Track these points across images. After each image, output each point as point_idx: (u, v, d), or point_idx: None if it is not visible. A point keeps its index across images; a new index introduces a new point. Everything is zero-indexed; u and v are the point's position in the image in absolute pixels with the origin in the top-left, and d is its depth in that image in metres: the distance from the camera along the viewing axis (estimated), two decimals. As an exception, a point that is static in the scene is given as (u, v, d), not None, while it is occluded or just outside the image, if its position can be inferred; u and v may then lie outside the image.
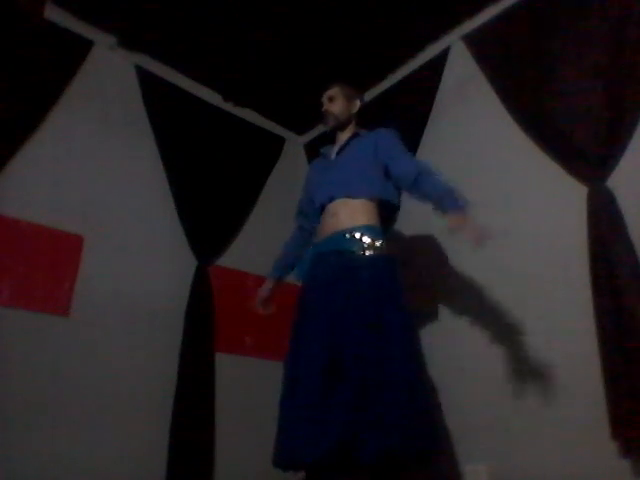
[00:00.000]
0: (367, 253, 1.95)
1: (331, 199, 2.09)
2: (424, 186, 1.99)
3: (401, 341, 1.85)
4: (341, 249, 1.97)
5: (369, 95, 3.32)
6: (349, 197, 2.06)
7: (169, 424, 2.57)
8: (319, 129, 3.66)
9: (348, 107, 2.31)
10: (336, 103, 2.28)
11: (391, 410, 1.70)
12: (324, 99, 2.30)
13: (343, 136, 2.31)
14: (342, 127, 2.31)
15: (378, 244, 1.98)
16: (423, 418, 1.78)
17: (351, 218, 2.01)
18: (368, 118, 3.24)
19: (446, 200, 1.91)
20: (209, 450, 2.63)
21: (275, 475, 1.94)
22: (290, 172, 3.61)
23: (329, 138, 3.53)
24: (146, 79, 3.05)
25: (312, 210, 2.23)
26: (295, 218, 2.42)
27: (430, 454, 1.80)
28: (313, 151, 3.67)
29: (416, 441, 1.71)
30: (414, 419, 1.73)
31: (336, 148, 2.31)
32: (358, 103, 2.33)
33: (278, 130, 3.68)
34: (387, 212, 2.14)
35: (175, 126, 3.08)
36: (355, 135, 2.29)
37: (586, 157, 2.14)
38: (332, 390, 1.75)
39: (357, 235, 1.97)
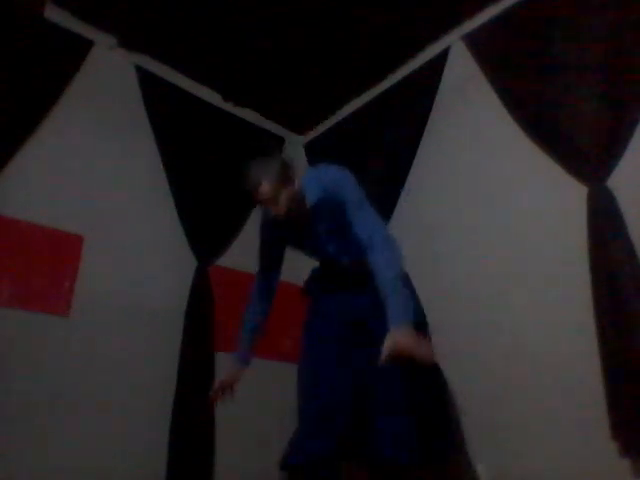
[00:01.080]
0: None
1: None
2: (372, 265, 1.71)
3: None
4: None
5: (369, 95, 3.33)
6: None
7: (169, 424, 2.57)
8: (319, 129, 3.67)
9: (292, 192, 1.79)
10: (281, 200, 1.77)
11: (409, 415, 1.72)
12: (261, 202, 1.83)
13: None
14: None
15: None
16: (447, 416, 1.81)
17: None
18: (369, 117, 3.27)
19: (388, 307, 1.62)
20: (209, 450, 2.63)
21: (275, 475, 1.94)
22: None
23: (329, 138, 3.56)
24: (146, 79, 3.05)
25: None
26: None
27: (452, 454, 1.82)
28: (313, 151, 3.68)
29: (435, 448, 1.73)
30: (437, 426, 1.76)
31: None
32: (295, 178, 1.82)
33: (278, 130, 3.68)
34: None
35: (175, 126, 3.08)
36: (313, 208, 1.84)
37: (586, 157, 2.15)
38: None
39: None
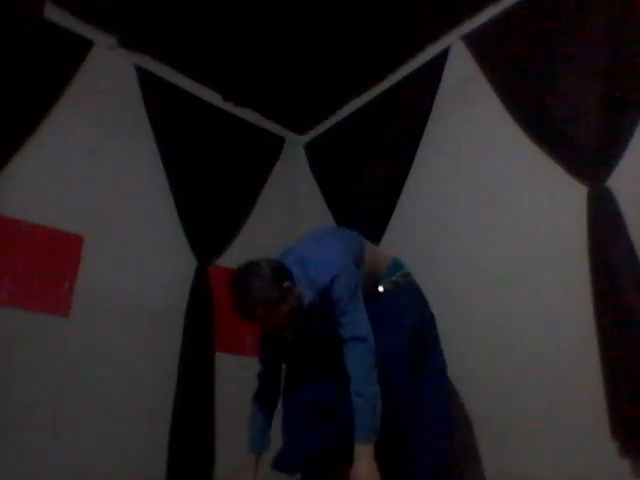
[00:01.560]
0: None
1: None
2: (346, 364, 1.71)
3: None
4: None
5: (369, 95, 3.32)
6: None
7: (169, 424, 2.57)
8: (319, 129, 3.67)
9: (290, 305, 1.69)
10: (279, 317, 1.68)
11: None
12: (262, 327, 1.82)
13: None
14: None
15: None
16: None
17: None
18: (369, 117, 3.27)
19: (356, 422, 1.64)
20: (209, 450, 2.63)
21: (275, 475, 1.94)
22: (290, 172, 3.62)
23: (329, 138, 3.56)
24: (146, 79, 3.05)
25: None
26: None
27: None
28: (313, 151, 3.68)
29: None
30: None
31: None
32: (291, 288, 1.70)
33: (278, 130, 3.68)
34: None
35: (175, 126, 3.08)
36: (308, 308, 1.78)
37: (586, 157, 2.15)
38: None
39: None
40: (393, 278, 2.00)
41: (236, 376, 2.88)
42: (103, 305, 2.56)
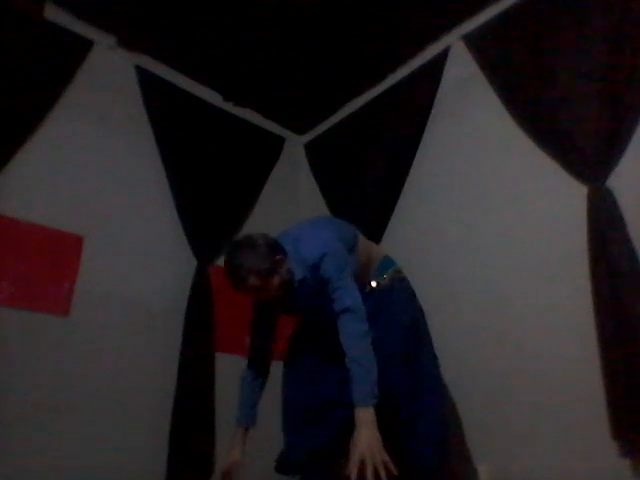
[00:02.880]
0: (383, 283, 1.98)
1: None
2: (340, 336, 1.73)
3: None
4: None
5: (369, 95, 3.33)
6: None
7: (169, 424, 2.57)
8: (319, 129, 3.67)
9: (282, 277, 1.76)
10: (271, 288, 1.74)
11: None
12: (252, 295, 1.81)
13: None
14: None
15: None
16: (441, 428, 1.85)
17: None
18: (369, 117, 3.27)
19: (353, 385, 1.64)
20: (209, 450, 2.63)
21: (274, 476, 1.94)
22: (290, 172, 3.62)
23: (329, 138, 3.56)
24: (146, 79, 3.05)
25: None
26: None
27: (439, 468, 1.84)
28: (313, 151, 3.68)
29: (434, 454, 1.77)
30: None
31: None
32: (282, 261, 1.76)
33: (278, 130, 3.68)
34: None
35: (175, 126, 3.08)
36: (299, 284, 1.83)
37: (586, 157, 2.14)
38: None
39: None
40: (386, 275, 2.00)
41: (236, 376, 2.87)
42: (103, 305, 2.56)
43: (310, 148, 3.71)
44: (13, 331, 2.30)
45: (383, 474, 1.49)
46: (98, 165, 2.75)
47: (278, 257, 1.74)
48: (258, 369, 2.02)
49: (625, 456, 1.81)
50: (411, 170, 2.90)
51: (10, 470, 2.11)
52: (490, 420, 2.19)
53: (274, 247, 1.76)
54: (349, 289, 1.78)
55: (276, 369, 3.02)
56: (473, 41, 2.74)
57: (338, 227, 1.99)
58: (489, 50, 2.65)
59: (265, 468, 2.00)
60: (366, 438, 1.55)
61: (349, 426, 1.68)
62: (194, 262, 2.93)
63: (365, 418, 1.58)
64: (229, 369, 2.85)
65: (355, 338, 1.70)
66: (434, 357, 1.97)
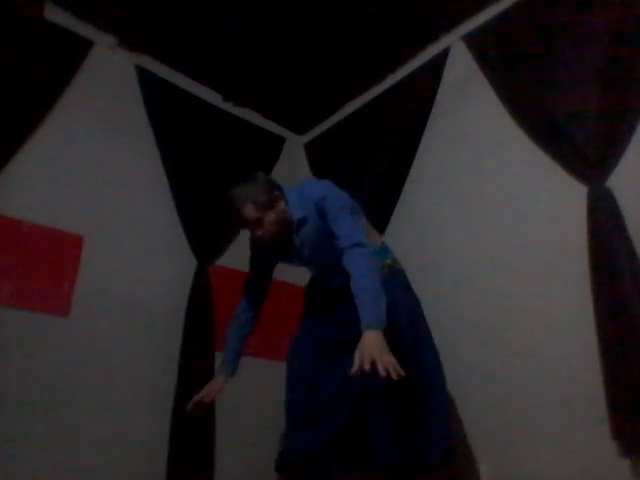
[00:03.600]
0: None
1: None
2: (347, 268, 1.73)
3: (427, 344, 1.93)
4: None
5: (369, 95, 3.33)
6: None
7: (169, 424, 2.57)
8: (319, 129, 3.67)
9: (278, 213, 1.80)
10: (266, 222, 1.78)
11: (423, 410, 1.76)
12: (246, 227, 1.84)
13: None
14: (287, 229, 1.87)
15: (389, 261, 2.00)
16: (446, 419, 1.86)
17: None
18: (369, 117, 3.27)
19: (361, 309, 1.63)
20: (209, 450, 2.63)
21: (275, 475, 1.94)
22: (290, 172, 3.61)
23: (329, 138, 3.56)
24: (146, 79, 3.05)
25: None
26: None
27: (448, 458, 1.84)
28: (313, 151, 3.68)
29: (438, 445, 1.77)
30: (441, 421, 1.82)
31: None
32: (280, 198, 1.82)
33: (278, 130, 3.68)
34: None
35: (175, 126, 3.08)
36: (299, 224, 1.86)
37: (586, 157, 2.14)
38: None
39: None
40: (386, 261, 1.98)
41: (236, 376, 2.88)
42: (103, 305, 2.56)
43: (310, 148, 3.71)
44: (13, 331, 2.30)
45: (393, 372, 1.47)
46: (98, 165, 2.75)
47: (276, 194, 1.80)
48: (249, 314, 2.04)
49: (625, 456, 1.81)
50: (411, 170, 2.90)
51: (10, 470, 2.11)
52: (490, 420, 2.19)
53: (273, 185, 1.83)
54: (359, 227, 1.79)
55: (276, 369, 3.03)
56: (473, 41, 2.74)
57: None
58: (489, 50, 2.65)
59: (265, 467, 2.00)
60: (374, 342, 1.51)
61: (350, 427, 1.68)
62: (194, 262, 2.93)
63: (373, 333, 1.54)
64: (229, 369, 2.85)
65: (366, 268, 1.68)
66: (434, 347, 1.97)
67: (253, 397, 2.89)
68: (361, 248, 1.72)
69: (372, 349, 1.50)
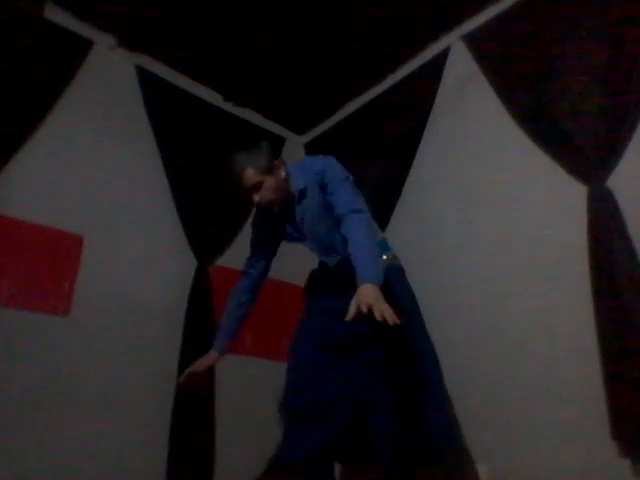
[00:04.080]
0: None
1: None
2: (345, 232, 1.75)
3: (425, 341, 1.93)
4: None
5: (369, 95, 3.33)
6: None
7: (169, 424, 2.57)
8: (319, 129, 3.67)
9: (278, 180, 1.85)
10: (265, 187, 1.83)
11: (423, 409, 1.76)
12: (247, 191, 1.87)
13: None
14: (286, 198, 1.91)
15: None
16: (446, 417, 1.86)
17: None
18: (369, 117, 3.27)
19: (358, 265, 1.63)
20: (209, 450, 2.63)
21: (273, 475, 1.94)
22: (290, 172, 3.61)
23: (329, 138, 3.56)
24: (146, 79, 3.05)
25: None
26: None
27: (450, 452, 1.84)
28: (313, 151, 3.67)
29: (439, 441, 1.77)
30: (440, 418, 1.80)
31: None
32: (281, 165, 1.89)
33: (278, 130, 3.68)
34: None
35: (175, 126, 3.08)
36: (300, 195, 1.89)
37: (586, 157, 2.14)
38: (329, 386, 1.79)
39: None
40: (385, 257, 1.97)
41: (236, 376, 2.89)
42: (103, 305, 2.56)
43: (310, 148, 3.70)
44: (13, 331, 2.30)
45: (390, 318, 1.47)
46: (98, 165, 2.75)
47: (277, 161, 1.86)
48: (248, 295, 2.07)
49: (625, 456, 1.81)
50: (411, 170, 2.90)
51: (10, 470, 2.11)
52: (490, 420, 2.19)
53: (275, 153, 1.88)
54: (358, 196, 1.82)
55: (276, 369, 3.03)
56: (473, 41, 2.74)
57: None
58: (489, 50, 2.65)
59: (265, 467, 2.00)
60: (371, 291, 1.51)
61: (349, 431, 1.68)
62: (194, 262, 2.93)
63: (370, 285, 1.54)
64: (229, 369, 2.85)
65: (364, 233, 1.70)
66: (432, 346, 1.97)
67: (253, 397, 2.90)
68: (360, 214, 1.75)
69: (369, 296, 1.50)
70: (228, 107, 3.43)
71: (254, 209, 2.12)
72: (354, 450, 1.76)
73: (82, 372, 2.42)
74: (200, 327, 2.79)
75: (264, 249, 2.08)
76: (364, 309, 1.47)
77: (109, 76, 2.92)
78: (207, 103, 3.32)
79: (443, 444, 1.79)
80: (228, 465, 2.66)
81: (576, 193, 2.13)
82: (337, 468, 1.94)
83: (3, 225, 2.38)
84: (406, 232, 2.80)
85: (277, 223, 1.98)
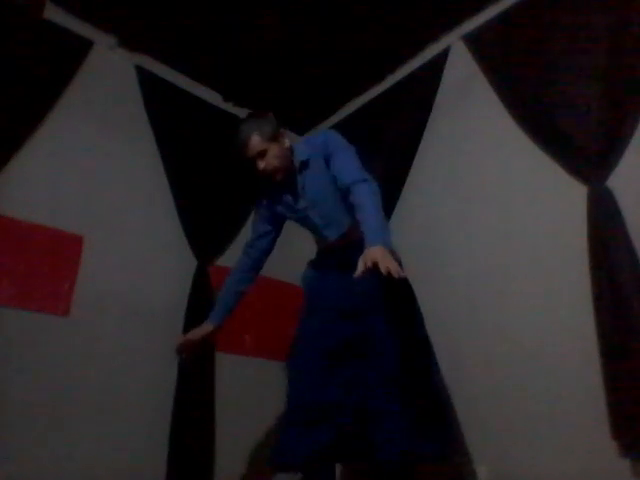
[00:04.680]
0: None
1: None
2: (355, 200, 1.78)
3: (421, 339, 1.92)
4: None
5: (369, 95, 3.33)
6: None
7: (169, 424, 2.57)
8: (319, 129, 3.67)
9: (282, 149, 1.91)
10: (270, 154, 1.88)
11: (414, 410, 1.75)
12: (252, 158, 1.91)
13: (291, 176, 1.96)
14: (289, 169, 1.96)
15: None
16: (444, 418, 1.85)
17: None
18: (369, 117, 3.27)
19: (367, 229, 1.68)
20: (209, 450, 2.63)
21: (275, 475, 1.94)
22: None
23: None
24: (146, 79, 3.05)
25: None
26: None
27: (448, 454, 1.84)
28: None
29: (437, 442, 1.76)
30: (438, 419, 1.80)
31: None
32: (285, 136, 1.96)
33: (278, 130, 3.67)
34: None
35: (175, 126, 3.08)
36: (302, 166, 1.94)
37: (586, 157, 2.14)
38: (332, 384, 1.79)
39: None
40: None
41: (236, 376, 2.89)
42: (103, 305, 2.56)
43: (310, 148, 3.70)
44: (13, 331, 2.30)
45: (394, 271, 1.50)
46: (98, 165, 2.75)
47: (282, 131, 1.93)
48: (249, 273, 2.11)
49: (625, 456, 1.81)
50: (411, 170, 2.90)
51: (10, 470, 2.11)
52: (490, 420, 2.19)
53: (279, 124, 1.93)
54: (364, 170, 1.84)
55: (276, 369, 3.03)
56: (473, 41, 2.74)
57: None
58: (489, 50, 2.65)
59: (265, 467, 2.00)
60: (379, 250, 1.55)
61: (349, 432, 1.68)
62: (194, 262, 2.93)
63: (378, 246, 1.57)
64: (229, 369, 2.86)
65: (374, 203, 1.73)
66: (430, 345, 1.97)
67: (253, 397, 2.90)
68: (369, 183, 1.78)
69: (376, 254, 1.54)
70: (228, 107, 3.43)
71: (253, 210, 2.15)
72: (355, 450, 1.76)
73: (82, 372, 2.42)
74: (200, 327, 2.79)
75: (265, 226, 2.11)
76: (369, 264, 1.51)
77: (109, 76, 2.92)
78: (207, 103, 3.32)
79: (440, 448, 1.78)
80: (228, 465, 2.66)
81: (576, 193, 2.13)
82: (337, 468, 1.94)
83: (3, 225, 2.38)
84: (406, 232, 2.79)
85: (280, 198, 2.01)
